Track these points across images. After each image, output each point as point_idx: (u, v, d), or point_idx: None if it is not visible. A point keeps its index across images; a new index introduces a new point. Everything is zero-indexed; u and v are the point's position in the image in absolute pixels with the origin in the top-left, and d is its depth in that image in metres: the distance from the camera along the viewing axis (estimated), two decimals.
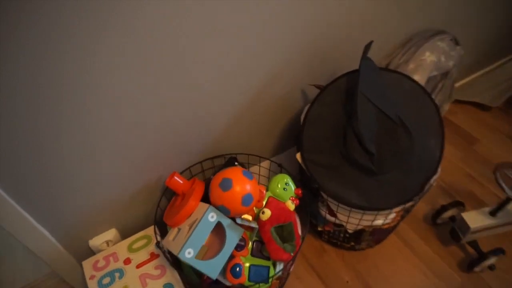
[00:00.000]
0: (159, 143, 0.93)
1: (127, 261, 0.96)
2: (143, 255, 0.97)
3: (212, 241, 0.91)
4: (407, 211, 1.10)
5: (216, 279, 0.86)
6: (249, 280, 0.87)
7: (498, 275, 1.15)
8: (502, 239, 1.24)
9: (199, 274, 0.97)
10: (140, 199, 1.00)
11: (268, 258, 0.90)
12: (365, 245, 1.22)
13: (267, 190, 0.98)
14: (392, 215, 1.06)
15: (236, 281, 0.84)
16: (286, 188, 0.98)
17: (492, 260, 1.11)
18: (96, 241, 1.00)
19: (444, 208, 1.23)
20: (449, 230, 1.20)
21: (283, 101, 1.10)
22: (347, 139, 0.95)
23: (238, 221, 0.88)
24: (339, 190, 0.97)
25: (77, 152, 0.80)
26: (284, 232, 0.91)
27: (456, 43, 1.34)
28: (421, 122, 0.99)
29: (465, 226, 1.11)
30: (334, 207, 1.03)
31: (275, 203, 0.91)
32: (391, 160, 0.95)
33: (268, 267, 0.90)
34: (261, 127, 1.13)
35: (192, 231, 0.82)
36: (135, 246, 1.00)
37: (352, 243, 1.20)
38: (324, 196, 1.02)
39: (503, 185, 1.02)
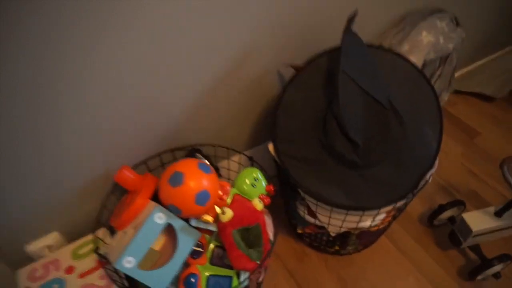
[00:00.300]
0: (109, 131, 0.78)
1: (70, 270, 0.82)
2: (88, 263, 0.83)
3: (167, 247, 0.76)
4: (399, 210, 0.96)
5: None
6: None
7: (503, 285, 1.01)
8: (509, 243, 1.10)
9: None
10: (87, 196, 0.86)
11: (230, 267, 0.76)
12: (351, 249, 1.07)
13: (233, 186, 0.84)
14: (381, 216, 0.91)
15: None
16: (255, 185, 0.83)
17: (497, 268, 0.97)
18: (34, 246, 0.85)
19: (442, 208, 1.08)
20: (448, 233, 1.06)
21: (256, 85, 0.96)
22: (328, 127, 0.81)
23: (193, 223, 0.73)
24: (318, 187, 0.82)
25: (12, 138, 0.66)
26: (250, 236, 0.77)
27: (457, 23, 1.19)
28: (416, 109, 0.85)
29: (466, 229, 0.97)
30: (313, 206, 0.88)
31: (239, 202, 0.77)
32: (379, 151, 0.80)
33: (231, 278, 0.75)
34: (231, 115, 0.98)
35: (134, 236, 0.67)
36: (80, 252, 0.85)
37: (337, 247, 1.05)
38: (301, 193, 0.87)
39: None
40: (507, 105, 1.56)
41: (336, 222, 0.88)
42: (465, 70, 1.66)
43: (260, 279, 0.86)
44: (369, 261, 1.07)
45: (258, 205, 0.78)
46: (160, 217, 0.69)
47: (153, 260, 0.74)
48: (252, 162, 0.90)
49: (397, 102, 0.82)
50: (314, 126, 0.83)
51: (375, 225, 0.93)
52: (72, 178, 0.81)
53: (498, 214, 0.96)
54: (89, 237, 0.87)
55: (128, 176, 0.80)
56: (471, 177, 1.30)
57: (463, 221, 0.97)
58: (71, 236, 0.90)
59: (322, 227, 0.97)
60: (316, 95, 0.84)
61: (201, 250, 0.75)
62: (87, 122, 0.73)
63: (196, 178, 0.69)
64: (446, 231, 1.10)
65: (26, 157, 0.71)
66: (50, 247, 0.87)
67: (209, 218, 0.76)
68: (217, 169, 0.92)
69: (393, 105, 0.81)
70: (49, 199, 0.81)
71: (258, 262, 0.74)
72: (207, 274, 0.74)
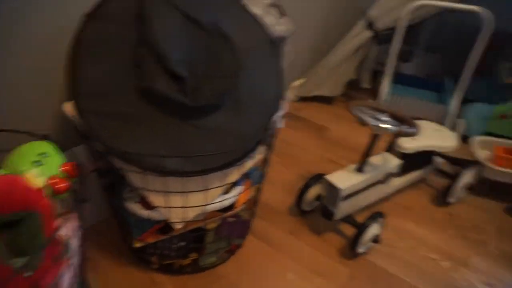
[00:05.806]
0: None
1: None
2: None
3: None
4: (256, 183, 0.77)
5: None
6: None
7: (387, 253, 0.90)
8: (378, 207, 1.04)
9: None
10: None
11: None
12: (215, 260, 0.82)
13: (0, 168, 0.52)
14: (237, 190, 0.71)
15: None
16: (41, 162, 0.53)
17: (373, 230, 0.85)
18: None
19: (306, 186, 0.95)
20: (321, 211, 0.91)
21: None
22: (142, 64, 0.60)
23: None
24: (142, 149, 0.58)
25: None
26: (19, 234, 0.45)
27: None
28: (250, 42, 0.71)
29: (333, 190, 0.84)
30: (140, 183, 0.62)
31: None
32: (211, 89, 0.62)
33: None
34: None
35: None
36: None
37: (194, 256, 0.78)
38: (126, 176, 0.61)
39: (362, 115, 0.80)
40: (343, 103, 1.69)
41: (177, 201, 0.63)
42: (300, 80, 1.71)
43: None
44: (241, 270, 0.83)
45: (35, 180, 0.48)
46: None
47: None
48: (46, 138, 0.59)
49: (229, 30, 0.67)
50: (129, 68, 0.61)
51: (233, 205, 0.72)
52: None
53: (359, 169, 0.88)
54: None
55: None
56: (329, 163, 1.25)
57: (328, 182, 0.85)
58: None
59: (167, 228, 0.71)
60: (129, 27, 0.62)
61: None
62: None
63: None
64: (318, 216, 0.98)
65: None
66: None
67: None
68: None
69: (223, 31, 0.66)
70: None
71: (25, 275, 0.42)
72: None
